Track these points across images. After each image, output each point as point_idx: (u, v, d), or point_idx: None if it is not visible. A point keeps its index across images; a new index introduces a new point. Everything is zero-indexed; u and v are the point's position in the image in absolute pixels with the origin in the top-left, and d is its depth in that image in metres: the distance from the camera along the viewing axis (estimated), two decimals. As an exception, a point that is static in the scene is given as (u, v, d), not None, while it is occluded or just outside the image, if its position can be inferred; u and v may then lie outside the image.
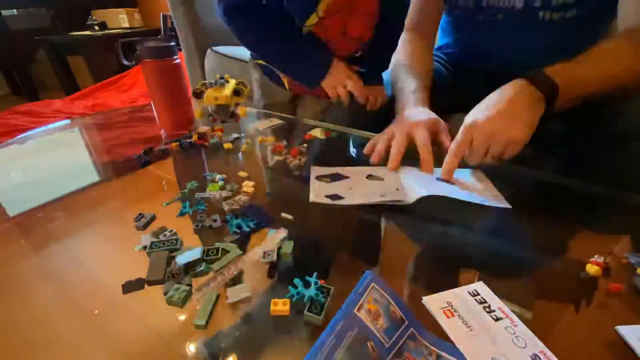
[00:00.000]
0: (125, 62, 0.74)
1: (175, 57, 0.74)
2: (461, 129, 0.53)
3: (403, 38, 0.81)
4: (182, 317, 0.33)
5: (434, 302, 0.33)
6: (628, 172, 0.53)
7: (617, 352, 0.29)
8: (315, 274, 0.35)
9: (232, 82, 0.77)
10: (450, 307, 0.32)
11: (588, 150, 0.60)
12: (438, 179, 0.53)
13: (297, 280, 0.35)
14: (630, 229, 0.44)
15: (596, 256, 0.37)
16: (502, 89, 0.53)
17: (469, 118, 0.53)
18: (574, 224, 0.47)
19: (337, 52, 0.75)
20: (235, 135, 0.74)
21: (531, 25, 0.68)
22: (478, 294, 0.34)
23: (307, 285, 0.34)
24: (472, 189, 0.51)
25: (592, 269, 0.36)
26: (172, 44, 0.73)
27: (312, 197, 0.50)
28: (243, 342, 0.31)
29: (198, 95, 0.74)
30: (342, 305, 0.29)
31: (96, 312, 0.34)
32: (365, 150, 0.62)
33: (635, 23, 0.56)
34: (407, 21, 0.81)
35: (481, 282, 0.35)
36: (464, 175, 0.55)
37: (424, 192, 0.47)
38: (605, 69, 0.54)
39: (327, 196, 0.50)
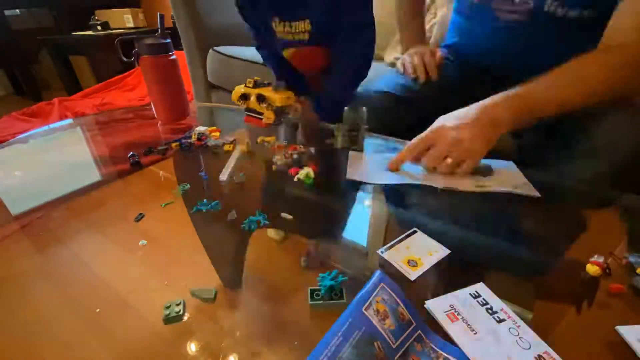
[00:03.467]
0: (125, 59, 0.79)
1: (171, 53, 0.79)
2: (428, 129, 0.57)
3: None
4: (183, 317, 0.34)
5: (437, 306, 0.33)
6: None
7: (617, 353, 0.29)
8: (327, 272, 0.36)
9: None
10: (453, 311, 0.32)
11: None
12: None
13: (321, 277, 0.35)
14: (631, 229, 0.44)
15: (596, 256, 0.37)
16: (477, 103, 0.57)
17: (438, 122, 0.57)
18: (574, 224, 0.47)
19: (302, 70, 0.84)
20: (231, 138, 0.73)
21: (540, 25, 0.68)
22: (479, 296, 0.34)
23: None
24: (498, 179, 0.54)
25: (592, 269, 0.36)
26: (168, 41, 0.78)
27: (348, 175, 0.56)
28: (247, 337, 0.31)
29: (262, 99, 0.70)
30: (350, 303, 0.29)
31: (97, 310, 0.34)
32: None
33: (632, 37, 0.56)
34: None
35: (481, 283, 0.35)
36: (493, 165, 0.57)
37: (458, 187, 0.51)
38: (581, 86, 0.55)
39: (361, 175, 0.56)
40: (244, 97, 0.71)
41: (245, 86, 0.72)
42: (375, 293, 0.29)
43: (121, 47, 0.79)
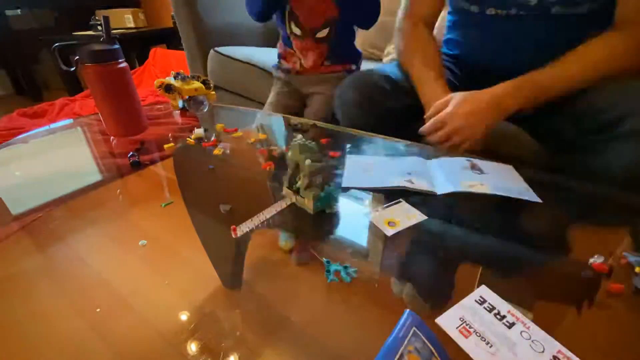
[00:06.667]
0: (64, 68, 0.72)
1: (120, 60, 0.71)
2: (442, 113, 0.64)
3: (400, 27, 0.81)
4: (184, 317, 0.34)
5: (448, 322, 0.32)
6: (610, 162, 0.54)
7: (618, 352, 0.29)
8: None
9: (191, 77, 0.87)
10: (465, 324, 0.31)
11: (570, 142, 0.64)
12: (465, 167, 0.57)
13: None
14: (630, 229, 0.44)
15: (596, 256, 0.37)
16: (489, 90, 0.63)
17: (451, 107, 0.63)
18: (574, 223, 0.47)
19: (306, 24, 0.93)
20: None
21: (543, 21, 0.67)
22: (485, 301, 0.33)
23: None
24: (500, 182, 0.53)
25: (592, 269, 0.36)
26: (116, 47, 0.70)
27: (345, 183, 0.54)
28: (247, 337, 0.31)
29: (169, 89, 0.80)
30: (380, 351, 0.25)
31: (98, 310, 0.34)
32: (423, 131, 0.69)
33: (633, 17, 0.58)
34: (403, 10, 0.82)
35: (483, 286, 0.35)
36: (493, 168, 0.57)
37: (451, 189, 0.51)
38: (584, 62, 0.60)
39: (357, 181, 0.55)
40: (166, 87, 0.81)
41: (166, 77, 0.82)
42: (407, 340, 0.26)
43: (59, 55, 0.71)
